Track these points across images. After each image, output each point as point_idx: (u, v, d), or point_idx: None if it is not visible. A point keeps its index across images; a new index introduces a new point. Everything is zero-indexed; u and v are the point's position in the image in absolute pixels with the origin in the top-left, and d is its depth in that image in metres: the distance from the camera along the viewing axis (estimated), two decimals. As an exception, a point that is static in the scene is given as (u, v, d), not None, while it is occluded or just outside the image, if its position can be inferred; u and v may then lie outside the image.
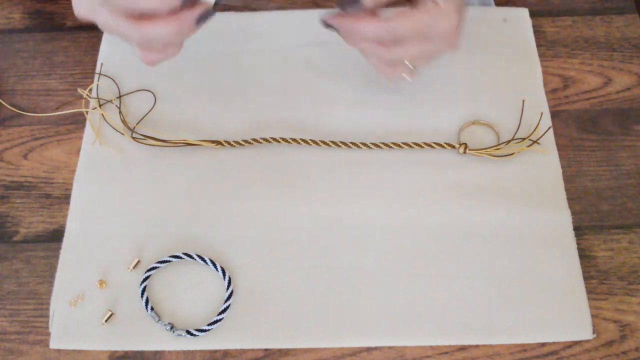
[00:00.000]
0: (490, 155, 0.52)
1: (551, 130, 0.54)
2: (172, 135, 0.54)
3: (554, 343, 0.46)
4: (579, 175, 0.53)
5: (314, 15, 0.60)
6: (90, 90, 0.56)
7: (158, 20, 0.41)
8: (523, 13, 0.60)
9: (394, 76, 0.48)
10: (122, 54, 0.58)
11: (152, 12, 0.41)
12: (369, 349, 0.46)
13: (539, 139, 0.53)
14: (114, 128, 0.54)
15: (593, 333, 0.46)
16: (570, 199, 0.51)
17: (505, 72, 0.57)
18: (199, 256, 0.48)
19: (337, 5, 0.44)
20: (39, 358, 0.46)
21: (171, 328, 0.46)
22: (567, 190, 0.51)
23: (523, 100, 0.55)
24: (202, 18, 0.43)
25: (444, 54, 0.47)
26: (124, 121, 0.54)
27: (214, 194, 0.51)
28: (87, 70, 0.58)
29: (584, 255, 0.49)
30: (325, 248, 0.49)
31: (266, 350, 0.46)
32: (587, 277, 0.48)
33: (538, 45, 0.58)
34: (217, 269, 0.48)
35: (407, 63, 0.46)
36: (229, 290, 0.47)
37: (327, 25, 0.45)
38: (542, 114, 0.54)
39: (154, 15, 0.41)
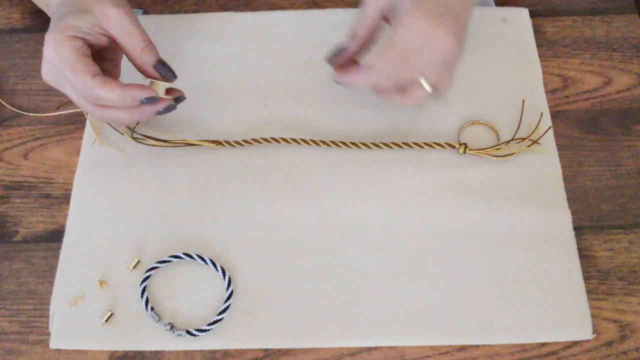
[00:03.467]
0: (490, 155, 0.52)
1: (551, 130, 0.54)
2: (172, 135, 0.54)
3: (554, 343, 0.46)
4: (579, 175, 0.53)
5: (313, 16, 0.60)
6: (90, 90, 0.56)
7: (119, 110, 0.45)
8: (523, 13, 0.60)
9: (410, 100, 0.48)
10: (122, 54, 0.58)
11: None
12: (369, 349, 0.46)
13: (539, 139, 0.53)
14: (114, 128, 0.54)
15: (593, 333, 0.46)
16: (570, 199, 0.51)
17: (505, 72, 0.57)
18: (199, 256, 0.48)
19: (328, 62, 0.50)
20: (39, 358, 0.46)
21: (171, 328, 0.46)
22: (567, 190, 0.51)
23: (523, 100, 0.55)
24: (166, 110, 0.48)
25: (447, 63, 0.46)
26: (124, 121, 0.54)
27: (214, 194, 0.51)
28: (87, 70, 0.58)
29: (584, 255, 0.49)
30: (325, 248, 0.49)
31: (266, 350, 0.46)
32: (587, 277, 0.48)
33: (538, 45, 0.58)
34: (217, 269, 0.48)
35: (422, 83, 0.47)
36: (229, 290, 0.47)
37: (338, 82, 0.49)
38: (542, 114, 0.54)
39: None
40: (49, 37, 0.44)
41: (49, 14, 0.53)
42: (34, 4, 0.62)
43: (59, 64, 0.43)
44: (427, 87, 0.46)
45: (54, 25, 0.45)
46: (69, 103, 0.56)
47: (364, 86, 0.48)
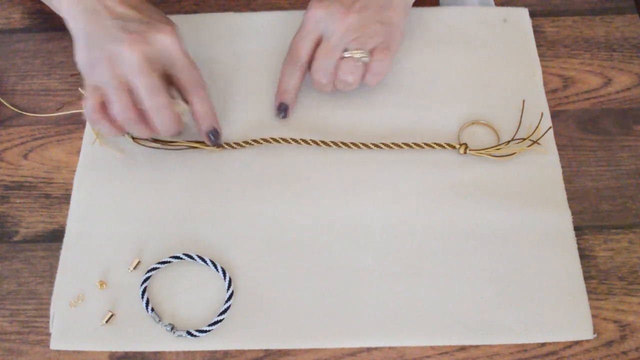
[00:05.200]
0: (490, 155, 0.52)
1: (551, 131, 0.54)
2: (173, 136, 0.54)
3: (554, 343, 0.46)
4: (579, 175, 0.53)
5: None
6: (90, 90, 0.56)
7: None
8: (523, 13, 0.60)
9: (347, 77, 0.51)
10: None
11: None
12: (369, 349, 0.46)
13: (539, 139, 0.53)
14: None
15: (593, 333, 0.46)
16: (570, 199, 0.51)
17: (505, 72, 0.57)
18: (199, 257, 0.48)
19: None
20: (39, 358, 0.46)
21: (172, 329, 0.46)
22: (567, 190, 0.51)
23: (523, 100, 0.55)
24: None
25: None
26: (124, 121, 0.54)
27: (215, 195, 0.51)
28: (87, 70, 0.58)
29: (584, 255, 0.49)
30: (326, 248, 0.49)
31: (266, 350, 0.46)
32: (587, 277, 0.48)
33: (538, 45, 0.58)
34: (217, 269, 0.48)
35: (345, 55, 0.51)
36: (230, 291, 0.47)
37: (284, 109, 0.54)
38: (542, 114, 0.54)
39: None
40: (170, 29, 0.46)
41: (59, 12, 0.52)
42: (34, 3, 0.62)
43: (163, 54, 0.46)
44: (349, 54, 0.50)
45: (165, 21, 0.48)
46: (69, 103, 0.56)
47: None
